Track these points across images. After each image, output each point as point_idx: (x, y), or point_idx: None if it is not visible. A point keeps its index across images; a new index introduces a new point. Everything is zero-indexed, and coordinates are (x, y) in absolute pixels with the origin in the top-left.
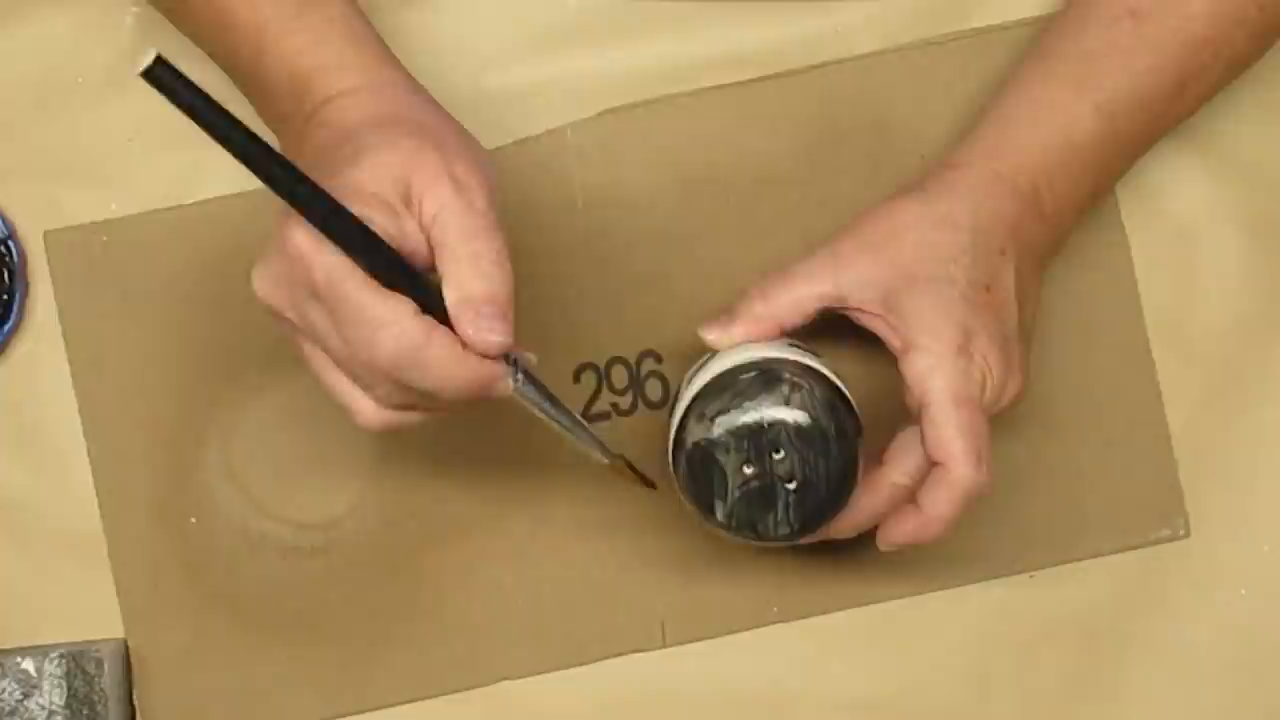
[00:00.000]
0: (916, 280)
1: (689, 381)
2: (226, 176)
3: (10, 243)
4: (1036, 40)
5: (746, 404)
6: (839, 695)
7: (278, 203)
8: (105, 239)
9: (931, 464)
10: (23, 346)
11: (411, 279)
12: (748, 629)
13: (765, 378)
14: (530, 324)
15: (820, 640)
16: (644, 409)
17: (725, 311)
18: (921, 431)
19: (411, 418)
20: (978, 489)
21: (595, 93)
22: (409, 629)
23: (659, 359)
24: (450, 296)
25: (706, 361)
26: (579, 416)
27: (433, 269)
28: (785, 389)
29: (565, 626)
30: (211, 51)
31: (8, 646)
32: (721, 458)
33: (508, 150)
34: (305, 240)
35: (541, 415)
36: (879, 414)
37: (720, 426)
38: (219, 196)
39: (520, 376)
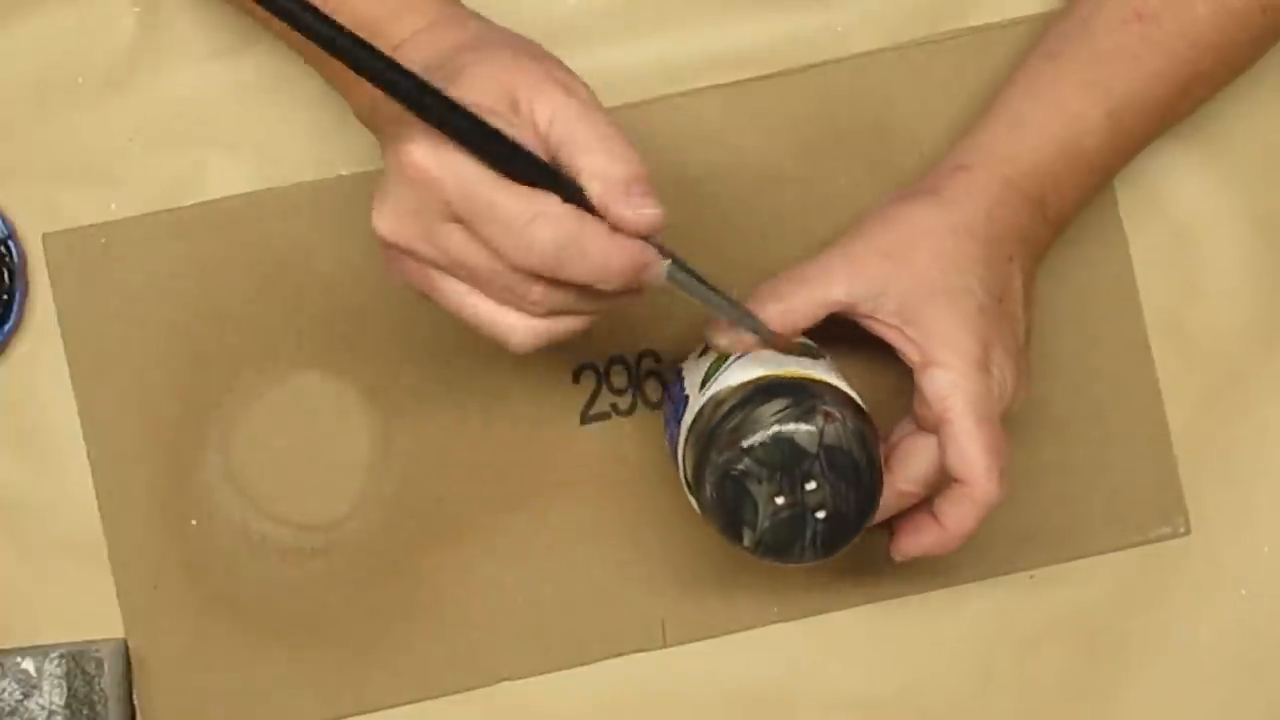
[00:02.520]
0: (935, 292)
1: (695, 375)
2: (226, 177)
3: (10, 243)
4: (1041, 35)
5: (780, 433)
6: (839, 695)
7: (390, 131)
8: (104, 241)
9: (951, 479)
10: (23, 346)
11: (547, 172)
12: (748, 629)
13: (800, 408)
14: None
15: (820, 640)
16: (644, 409)
17: None
18: (941, 446)
19: (563, 324)
20: (998, 503)
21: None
22: (409, 630)
23: (658, 359)
24: (594, 186)
25: (720, 362)
26: (732, 298)
27: None
28: (820, 420)
29: (565, 626)
30: (276, 26)
31: (8, 646)
32: (754, 488)
33: None
34: (429, 159)
35: (695, 298)
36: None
37: (753, 456)
38: (219, 197)
39: (669, 261)
